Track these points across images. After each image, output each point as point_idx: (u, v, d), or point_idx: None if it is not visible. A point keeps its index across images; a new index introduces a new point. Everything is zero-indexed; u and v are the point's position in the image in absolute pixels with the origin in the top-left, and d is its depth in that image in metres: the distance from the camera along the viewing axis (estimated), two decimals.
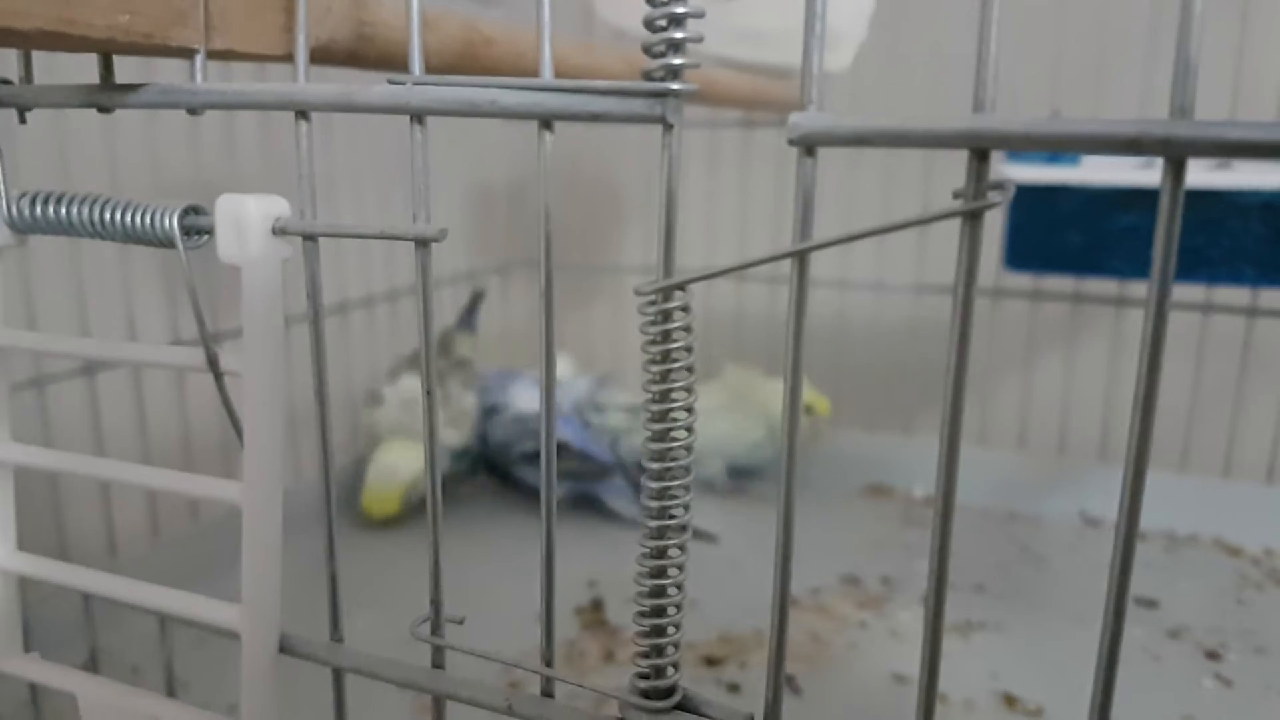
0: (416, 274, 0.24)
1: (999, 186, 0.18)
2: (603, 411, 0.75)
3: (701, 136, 0.87)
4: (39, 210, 0.27)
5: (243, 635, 0.26)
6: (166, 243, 0.25)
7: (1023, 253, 0.70)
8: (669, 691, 0.22)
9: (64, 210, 0.27)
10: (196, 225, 0.25)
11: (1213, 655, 0.56)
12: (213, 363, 0.25)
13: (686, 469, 0.22)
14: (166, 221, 0.25)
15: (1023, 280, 0.78)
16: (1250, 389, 0.75)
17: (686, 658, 0.54)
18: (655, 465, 0.22)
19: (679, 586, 0.22)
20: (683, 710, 0.23)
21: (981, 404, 0.83)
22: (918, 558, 0.67)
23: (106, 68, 0.27)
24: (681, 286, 0.21)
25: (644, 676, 0.23)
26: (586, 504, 0.74)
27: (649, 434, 0.22)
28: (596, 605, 0.60)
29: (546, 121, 0.21)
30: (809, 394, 0.77)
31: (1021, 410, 0.82)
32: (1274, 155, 0.16)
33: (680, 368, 0.22)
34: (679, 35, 0.19)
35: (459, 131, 0.81)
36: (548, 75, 0.21)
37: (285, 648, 0.27)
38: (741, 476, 0.78)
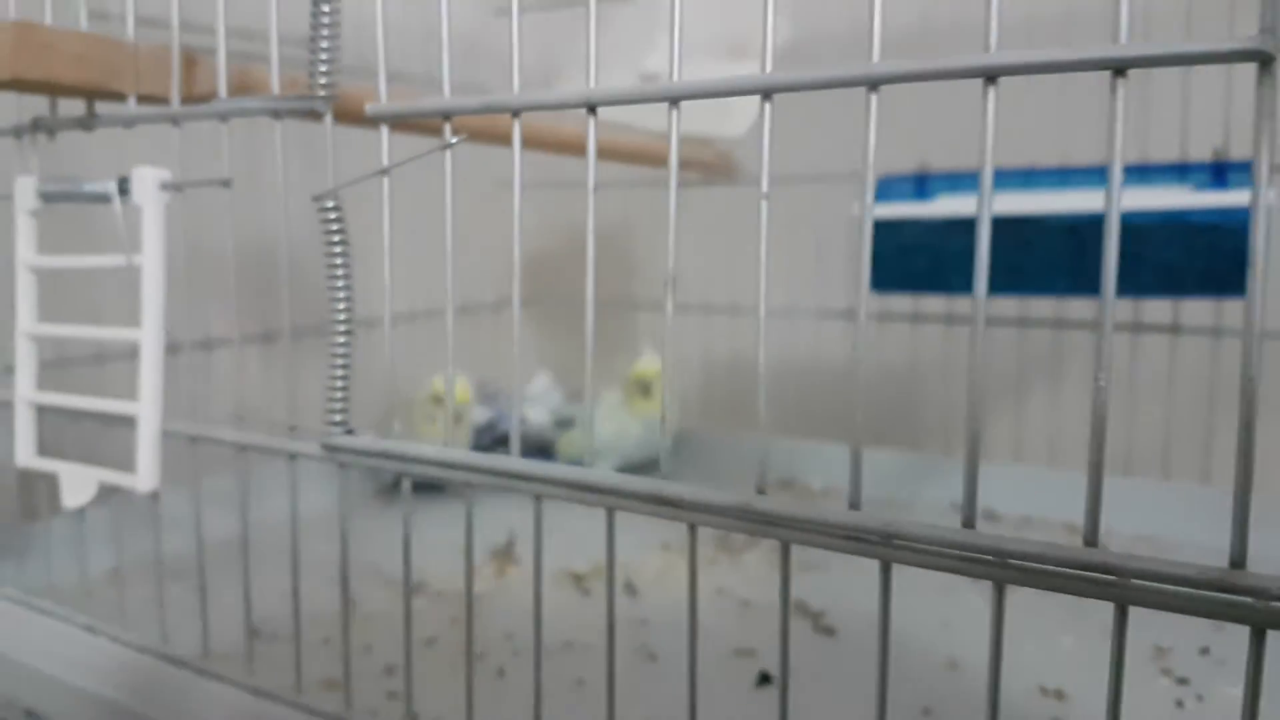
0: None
1: (451, 142, 0.39)
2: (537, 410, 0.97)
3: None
4: (52, 187, 0.51)
5: (139, 418, 0.48)
6: (107, 198, 0.48)
7: (882, 276, 0.88)
8: (344, 425, 0.43)
9: (63, 186, 0.50)
10: (125, 187, 0.48)
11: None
12: (130, 261, 0.48)
13: (345, 315, 0.43)
14: (109, 186, 0.48)
15: (904, 303, 0.97)
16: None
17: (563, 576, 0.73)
18: (340, 305, 0.43)
19: (348, 348, 0.43)
20: (350, 434, 0.43)
21: (887, 410, 1.00)
22: None
23: (90, 105, 0.50)
24: (334, 195, 0.42)
25: (333, 420, 0.44)
26: None
27: (333, 299, 0.43)
28: (509, 545, 0.80)
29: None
30: (655, 364, 0.96)
31: (911, 415, 0.99)
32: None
33: (339, 253, 0.43)
34: (324, 82, 0.41)
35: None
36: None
37: (165, 432, 0.48)
38: (636, 471, 0.97)
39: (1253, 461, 0.27)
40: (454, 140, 0.39)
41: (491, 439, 0.93)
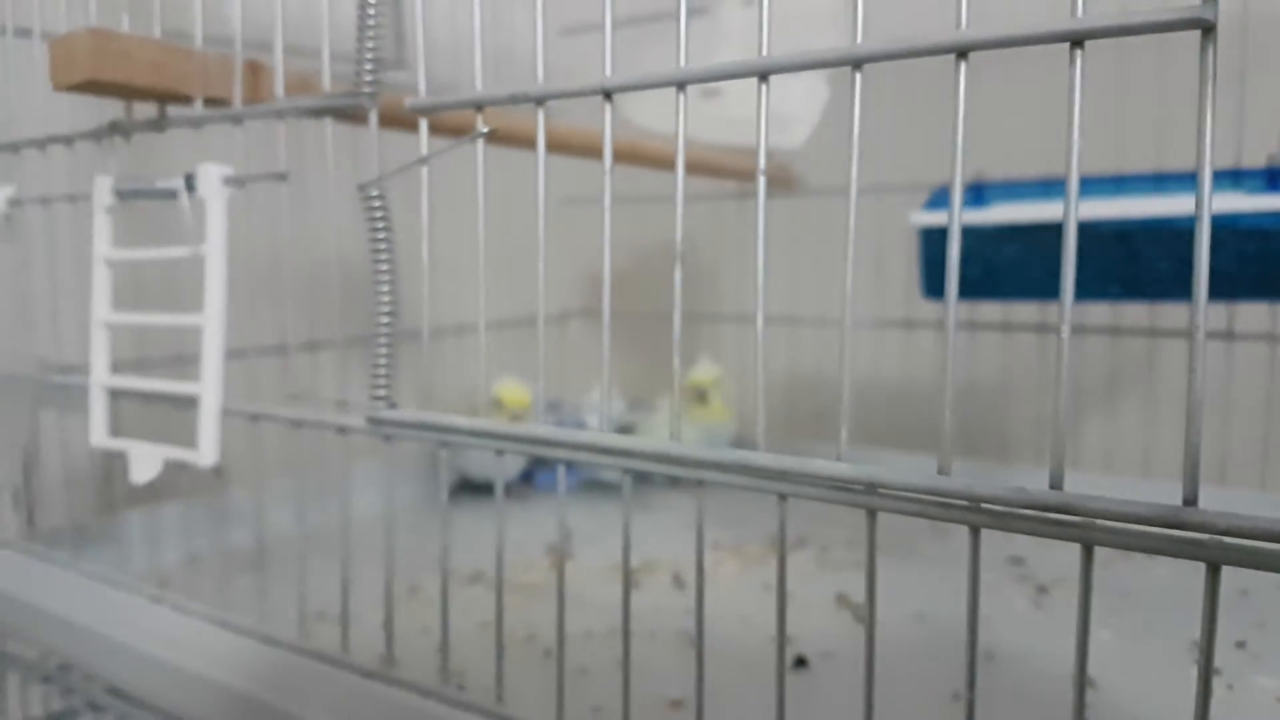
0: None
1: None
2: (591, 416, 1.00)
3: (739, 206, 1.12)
4: (127, 185, 0.56)
5: (201, 399, 0.53)
6: (175, 194, 0.53)
7: (935, 283, 0.90)
8: (388, 399, 0.47)
9: (137, 183, 0.55)
10: (191, 183, 0.53)
11: (1042, 589, 0.74)
12: (196, 251, 0.52)
13: (389, 296, 0.47)
14: (177, 183, 0.53)
15: (960, 310, 0.98)
16: (1122, 397, 0.91)
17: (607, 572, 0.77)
18: (384, 288, 0.47)
19: (391, 328, 0.47)
20: (393, 408, 0.47)
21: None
22: (838, 526, 0.87)
23: (161, 108, 0.55)
24: (377, 184, 0.47)
25: (377, 395, 0.47)
26: (591, 484, 0.98)
27: (377, 281, 0.47)
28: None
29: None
30: (710, 372, 0.99)
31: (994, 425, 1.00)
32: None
33: (383, 239, 0.47)
34: (369, 80, 0.46)
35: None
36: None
37: (225, 410, 0.53)
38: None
39: (1201, 404, 0.29)
40: (485, 130, 0.43)
41: None
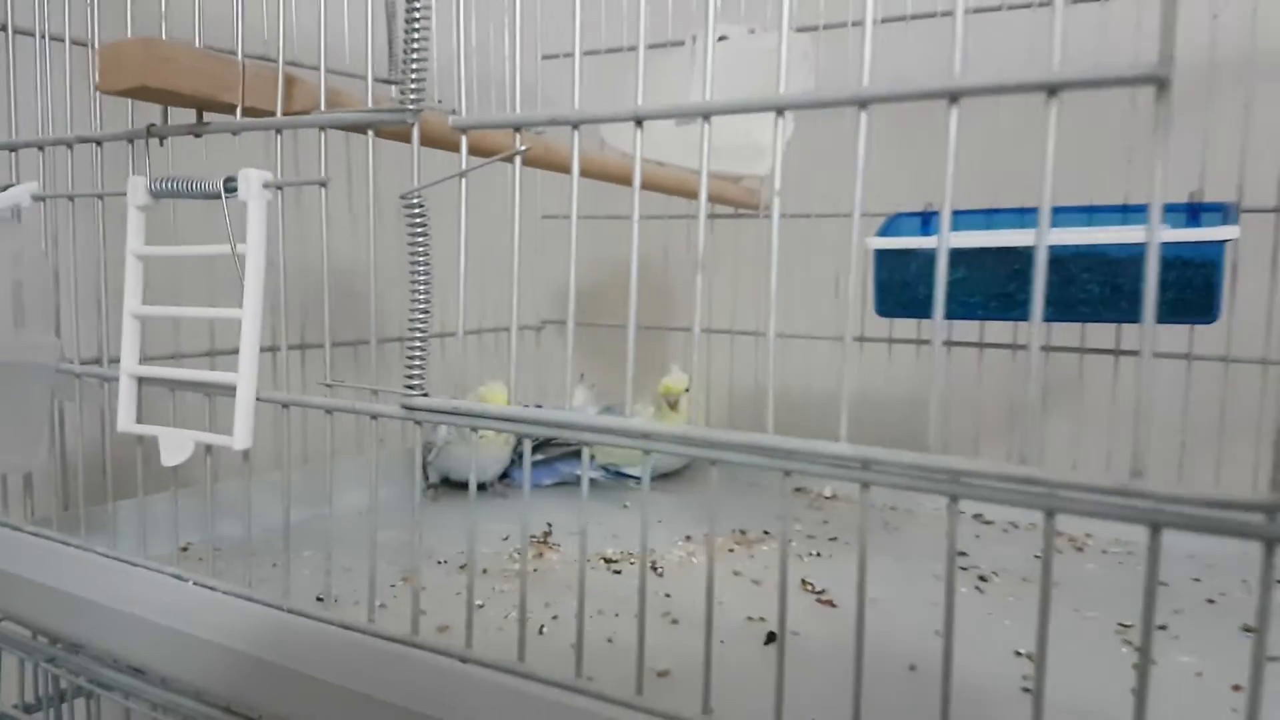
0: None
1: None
2: None
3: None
4: (163, 185, 0.60)
5: (238, 388, 0.57)
6: (217, 195, 0.57)
7: (887, 302, 0.96)
8: (420, 388, 0.52)
9: (174, 184, 0.59)
10: (231, 185, 0.57)
11: (983, 579, 0.80)
12: (234, 249, 0.56)
13: (425, 291, 0.52)
14: (219, 184, 0.57)
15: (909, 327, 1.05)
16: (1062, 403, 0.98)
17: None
18: (420, 287, 0.52)
19: (426, 321, 0.52)
20: (424, 396, 0.52)
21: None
22: (799, 523, 0.93)
23: (199, 115, 0.59)
24: (418, 193, 0.51)
25: (411, 383, 0.52)
26: (568, 482, 1.03)
27: (414, 282, 0.52)
28: (547, 534, 0.88)
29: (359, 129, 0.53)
30: (681, 380, 1.05)
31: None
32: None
33: (421, 243, 0.51)
34: (415, 97, 0.50)
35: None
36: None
37: (259, 399, 0.57)
38: (665, 477, 1.07)
39: (1151, 386, 0.35)
40: (523, 149, 0.48)
41: (534, 442, 1.01)
